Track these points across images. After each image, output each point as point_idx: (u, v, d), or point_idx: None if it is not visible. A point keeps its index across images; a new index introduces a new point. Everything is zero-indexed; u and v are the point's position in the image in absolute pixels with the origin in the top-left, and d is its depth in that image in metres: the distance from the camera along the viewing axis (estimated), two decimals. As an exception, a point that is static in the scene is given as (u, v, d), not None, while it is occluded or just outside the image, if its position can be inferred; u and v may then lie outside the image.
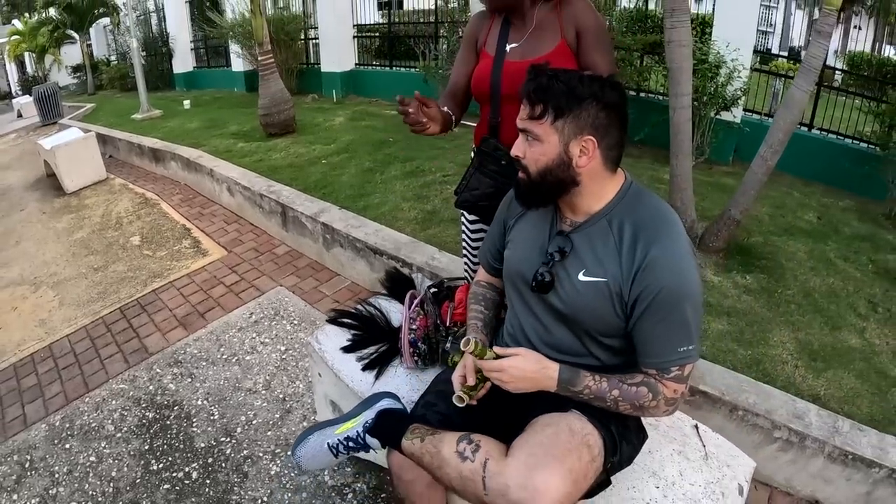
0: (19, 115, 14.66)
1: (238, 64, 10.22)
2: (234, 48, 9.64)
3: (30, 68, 21.38)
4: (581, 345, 1.25)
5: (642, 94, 5.45)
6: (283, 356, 2.76)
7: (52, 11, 16.80)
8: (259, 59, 6.22)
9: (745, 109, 4.97)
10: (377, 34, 8.98)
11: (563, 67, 1.23)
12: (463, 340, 1.18)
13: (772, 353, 2.35)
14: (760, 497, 2.00)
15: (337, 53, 8.44)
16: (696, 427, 1.56)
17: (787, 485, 2.01)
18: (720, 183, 4.33)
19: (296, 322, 3.04)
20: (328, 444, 1.40)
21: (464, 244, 1.96)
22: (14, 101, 17.43)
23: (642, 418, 1.35)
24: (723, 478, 1.43)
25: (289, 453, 2.18)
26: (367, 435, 1.36)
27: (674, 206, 3.17)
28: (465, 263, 2.00)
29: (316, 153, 5.30)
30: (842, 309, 2.70)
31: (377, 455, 1.59)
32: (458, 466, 1.15)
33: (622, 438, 1.22)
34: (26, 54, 19.27)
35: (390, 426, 1.34)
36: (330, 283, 3.45)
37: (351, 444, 1.37)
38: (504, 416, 1.28)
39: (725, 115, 4.65)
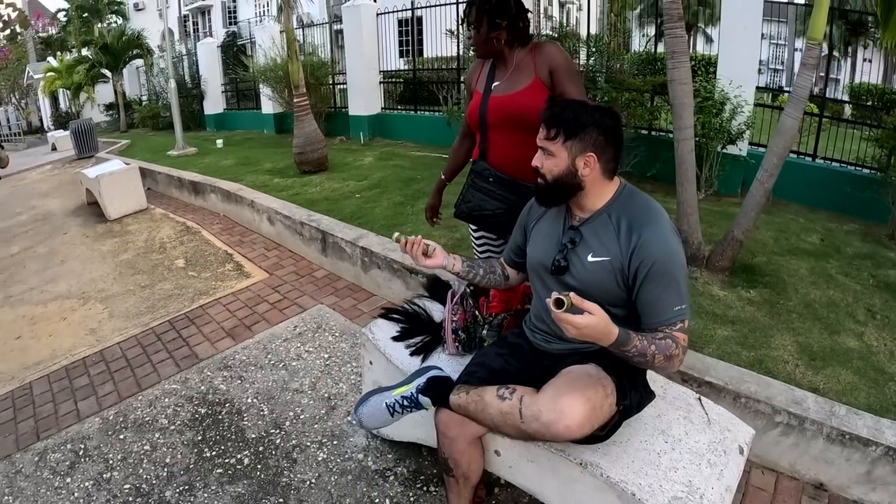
0: (53, 149, 15.46)
1: (268, 106, 10.80)
2: (265, 91, 10.21)
3: (63, 104, 22.42)
4: None
5: (654, 133, 5.77)
6: (327, 362, 3.02)
7: (86, 51, 17.88)
8: (294, 100, 6.71)
9: (751, 143, 5.27)
10: (402, 80, 9.45)
11: (566, 98, 1.62)
12: (556, 299, 1.28)
13: (773, 354, 2.56)
14: (767, 481, 2.17)
15: (364, 98, 8.90)
16: (700, 399, 1.80)
17: (791, 469, 2.19)
18: (727, 212, 4.58)
19: (337, 334, 3.31)
20: (386, 403, 1.67)
21: (473, 250, 2.37)
22: (49, 134, 18.36)
23: (647, 377, 1.62)
24: (724, 439, 1.65)
25: (347, 419, 2.47)
26: (419, 395, 1.63)
27: (680, 229, 3.43)
28: None
29: (349, 188, 5.67)
30: (841, 317, 2.91)
31: (425, 418, 1.83)
32: (499, 405, 1.44)
33: (631, 387, 1.49)
34: (61, 91, 20.22)
35: (439, 388, 1.61)
36: (367, 301, 3.73)
37: (406, 402, 1.64)
38: (534, 377, 1.55)
39: (732, 149, 4.94)
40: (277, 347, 3.22)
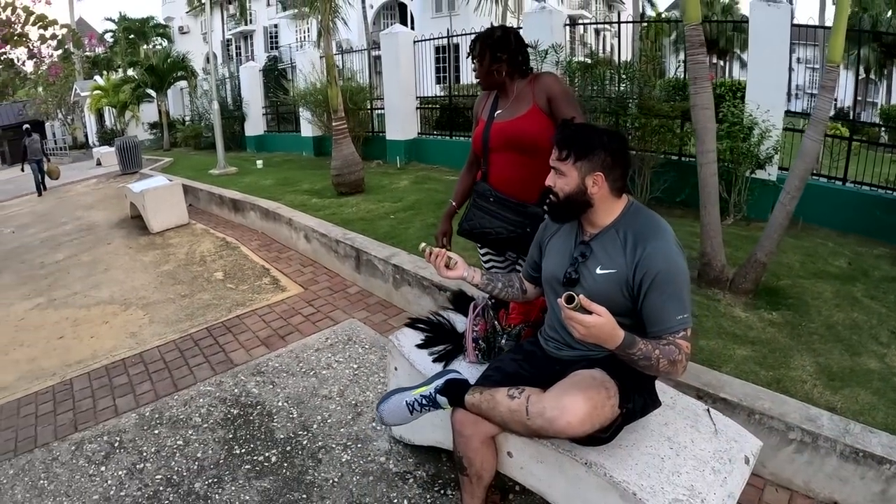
0: (98, 164, 16.28)
1: (307, 129, 11.19)
2: (304, 114, 10.60)
3: (109, 121, 23.42)
4: None
5: (683, 158, 5.81)
6: (356, 372, 3.16)
7: (132, 71, 18.80)
8: (333, 124, 7.00)
9: (781, 168, 5.27)
10: (438, 106, 9.66)
11: (579, 122, 1.76)
12: (567, 296, 1.39)
13: (791, 374, 2.59)
14: (781, 499, 2.19)
15: (401, 123, 9.14)
16: (708, 410, 1.86)
17: (806, 488, 2.19)
18: (755, 237, 4.52)
19: (367, 346, 3.45)
20: (406, 401, 1.79)
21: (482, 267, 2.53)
22: (94, 150, 19.27)
23: (656, 386, 1.71)
24: (730, 448, 1.71)
25: (372, 424, 2.61)
26: (437, 394, 1.75)
27: (704, 252, 3.49)
28: None
29: (384, 209, 5.87)
30: (863, 338, 2.91)
31: (444, 422, 1.96)
32: (508, 403, 1.55)
33: (635, 391, 1.57)
34: (106, 108, 21.15)
35: (456, 389, 1.73)
36: (398, 317, 3.86)
37: (425, 401, 1.76)
38: (545, 381, 1.66)
39: (761, 174, 4.95)
40: (309, 357, 3.38)
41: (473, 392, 1.67)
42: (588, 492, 1.58)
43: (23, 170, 12.80)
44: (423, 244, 1.92)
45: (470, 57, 2.29)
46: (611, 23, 21.66)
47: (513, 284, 1.99)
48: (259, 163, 10.38)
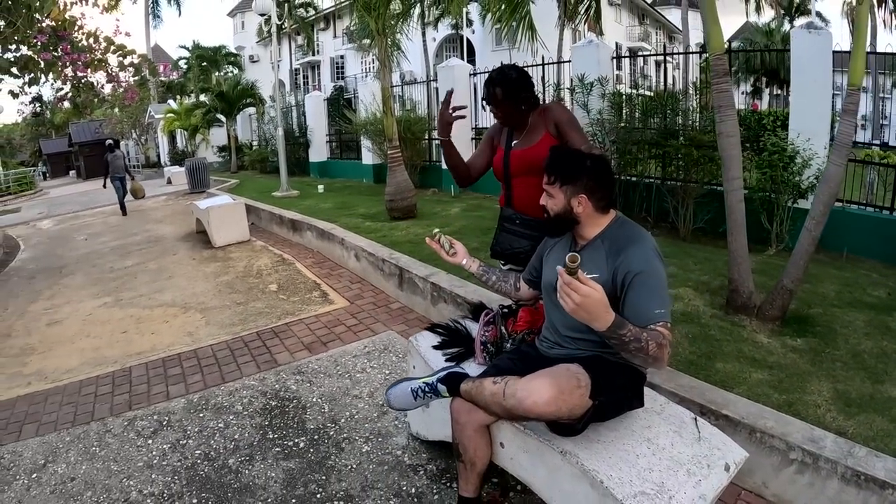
0: (169, 182, 17.53)
1: (368, 157, 11.72)
2: (365, 143, 11.16)
3: (180, 143, 25.10)
4: (587, 326, 1.80)
5: (720, 188, 5.77)
6: (387, 377, 3.39)
7: (203, 97, 20.10)
8: (388, 152, 7.42)
9: (830, 199, 5.17)
10: None
11: (564, 148, 1.98)
12: (571, 256, 1.48)
13: (806, 398, 2.59)
14: None
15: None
16: (696, 419, 1.96)
17: None
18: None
19: (401, 356, 3.68)
20: (411, 388, 2.01)
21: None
22: (165, 169, 20.72)
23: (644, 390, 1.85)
24: (711, 455, 1.80)
25: (395, 423, 2.85)
26: (438, 383, 1.96)
27: (731, 279, 3.53)
28: None
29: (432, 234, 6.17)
30: (890, 367, 2.85)
31: (444, 413, 2.15)
32: (491, 388, 1.75)
33: (608, 387, 1.73)
34: (178, 131, 22.74)
35: (455, 380, 1.93)
36: (433, 332, 4.13)
37: (427, 388, 1.97)
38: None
39: (803, 204, 4.88)
40: (346, 362, 3.66)
41: (467, 381, 1.88)
42: (564, 480, 1.73)
43: (104, 186, 12.33)
44: (436, 230, 2.22)
45: (489, 102, 2.47)
46: (655, 54, 21.43)
47: (507, 280, 2.27)
48: (320, 187, 10.97)
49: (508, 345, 2.27)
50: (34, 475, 2.72)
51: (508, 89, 2.43)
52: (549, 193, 1.87)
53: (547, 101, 2.67)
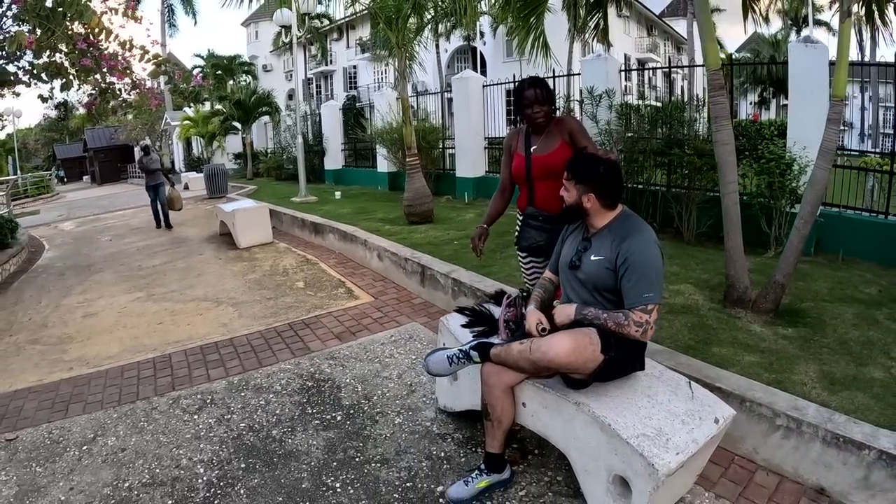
0: (186, 188, 17.94)
1: (383, 165, 12.07)
2: (380, 151, 11.52)
3: (196, 150, 25.48)
4: (593, 298, 2.20)
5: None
6: (413, 361, 3.73)
7: (219, 105, 20.51)
8: (407, 160, 7.79)
9: (824, 203, 5.43)
10: None
11: (586, 153, 2.31)
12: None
13: (793, 378, 2.86)
14: (770, 482, 2.47)
15: (470, 161, 9.78)
16: (689, 383, 2.28)
17: (794, 473, 2.47)
18: (796, 269, 4.78)
19: (426, 343, 4.01)
20: (447, 355, 2.34)
21: (522, 273, 3.13)
22: (182, 175, 21.10)
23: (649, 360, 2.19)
24: (702, 410, 2.12)
25: (423, 397, 3.21)
26: (470, 350, 2.30)
27: (728, 275, 3.83)
28: (524, 281, 3.12)
29: (449, 236, 6.51)
30: (874, 353, 3.12)
31: (478, 390, 2.48)
32: (519, 347, 2.10)
33: (617, 346, 2.06)
34: (195, 138, 23.15)
35: (485, 347, 2.27)
36: (455, 324, 4.46)
37: (461, 354, 2.31)
38: None
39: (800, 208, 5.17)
40: (375, 348, 4.00)
41: (496, 347, 2.23)
42: (577, 427, 2.05)
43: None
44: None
45: (530, 100, 2.78)
46: (663, 67, 21.65)
47: (548, 289, 2.55)
48: (337, 194, 11.35)
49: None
50: (84, 447, 2.99)
51: (548, 92, 2.82)
52: (566, 188, 2.24)
53: (558, 113, 3.04)
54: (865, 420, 2.45)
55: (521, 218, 3.02)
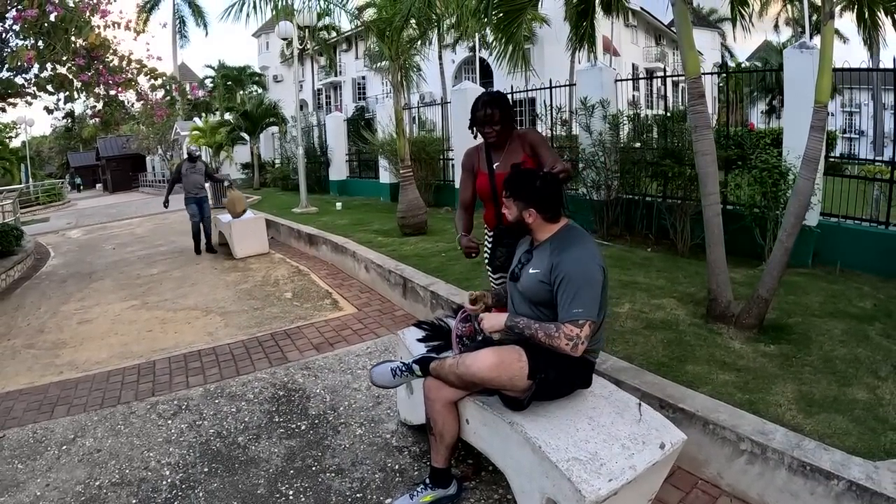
0: None
1: (385, 176, 12.06)
2: (382, 162, 11.53)
3: (204, 159, 25.75)
4: (531, 310, 2.16)
5: (723, 206, 5.85)
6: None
7: (228, 115, 20.62)
8: (400, 171, 7.78)
9: (823, 213, 5.27)
10: None
11: (521, 168, 2.28)
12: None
13: (768, 398, 2.72)
14: None
15: (468, 173, 9.74)
16: (639, 404, 2.18)
17: (760, 501, 2.34)
18: (788, 281, 4.56)
19: (400, 355, 3.95)
20: (391, 367, 2.33)
21: (492, 287, 3.01)
22: None
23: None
24: (648, 434, 2.01)
25: (388, 409, 3.19)
26: (413, 364, 2.27)
27: (710, 289, 3.72)
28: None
29: (438, 248, 6.46)
30: (860, 372, 2.97)
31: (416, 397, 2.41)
32: (450, 362, 2.09)
33: (549, 366, 2.01)
34: (203, 147, 23.48)
35: (426, 361, 2.24)
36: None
37: (404, 367, 2.29)
38: None
39: (797, 219, 5.01)
40: (350, 360, 3.98)
41: (435, 361, 2.21)
42: (513, 447, 1.99)
43: (166, 204, 8.81)
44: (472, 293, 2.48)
45: (486, 123, 2.74)
46: (664, 76, 21.35)
47: (502, 296, 2.53)
48: (338, 205, 11.37)
49: (480, 338, 2.52)
50: (64, 447, 3.10)
51: (505, 111, 2.75)
52: (507, 205, 2.24)
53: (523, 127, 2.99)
54: (840, 446, 2.32)
55: (490, 235, 2.95)
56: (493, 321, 2.16)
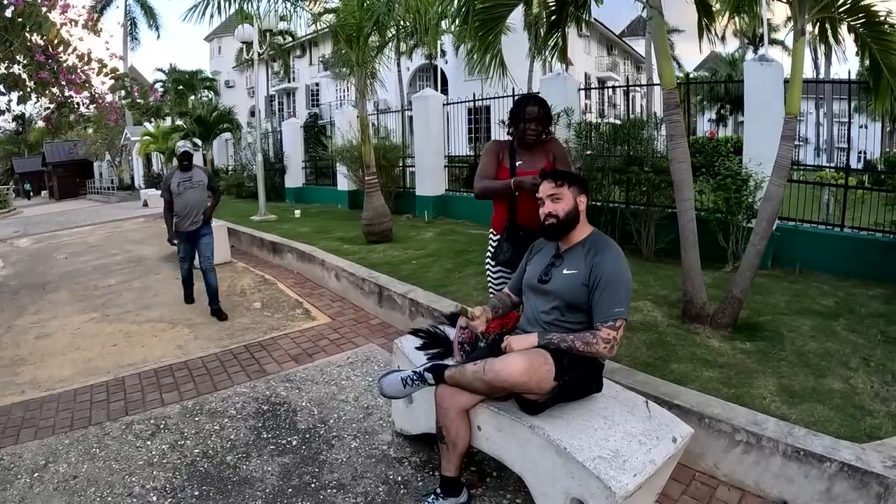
0: (145, 204, 17.44)
1: (343, 183, 11.84)
2: (341, 169, 11.33)
3: (156, 166, 24.76)
4: (557, 315, 2.18)
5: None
6: (370, 384, 3.60)
7: (180, 121, 19.99)
8: (365, 178, 7.68)
9: (781, 218, 5.54)
10: (466, 164, 10.20)
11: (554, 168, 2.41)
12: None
13: (752, 392, 2.86)
14: (732, 497, 2.45)
15: (430, 180, 9.71)
16: (647, 402, 2.23)
17: (757, 488, 2.45)
18: (753, 283, 4.78)
19: (382, 365, 3.88)
20: (401, 377, 2.26)
21: (489, 283, 3.09)
22: (141, 191, 20.48)
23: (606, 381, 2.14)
24: (659, 429, 2.07)
25: (380, 420, 3.11)
26: (425, 372, 2.22)
27: (685, 290, 3.85)
28: (491, 293, 3.06)
29: (408, 256, 6.40)
30: (833, 364, 3.15)
31: (433, 410, 2.38)
32: (473, 369, 2.04)
33: (570, 369, 2.03)
34: (154, 154, 22.58)
35: (439, 369, 2.19)
36: (411, 346, 4.35)
37: (415, 376, 2.23)
38: None
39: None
40: (332, 371, 3.86)
41: (451, 368, 2.16)
42: (533, 450, 1.98)
43: (171, 241, 5.64)
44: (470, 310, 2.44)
45: (530, 117, 2.78)
46: (624, 86, 22.29)
47: (506, 304, 2.56)
48: (297, 212, 11.14)
49: (482, 344, 2.52)
50: (36, 474, 2.83)
51: (548, 113, 2.85)
52: (558, 196, 2.25)
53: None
54: (826, 432, 2.46)
55: (497, 237, 2.98)
56: (523, 343, 2.13)
